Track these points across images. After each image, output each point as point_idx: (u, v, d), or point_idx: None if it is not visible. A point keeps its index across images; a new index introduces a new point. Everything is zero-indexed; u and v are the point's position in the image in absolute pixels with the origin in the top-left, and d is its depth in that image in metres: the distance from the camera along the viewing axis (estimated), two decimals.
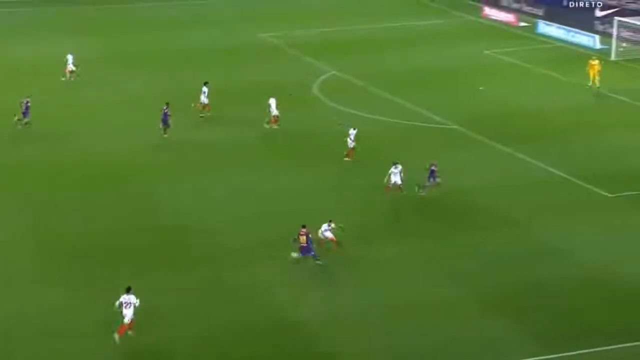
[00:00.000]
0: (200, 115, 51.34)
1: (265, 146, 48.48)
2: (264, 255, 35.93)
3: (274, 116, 49.95)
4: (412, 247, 37.28)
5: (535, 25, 76.60)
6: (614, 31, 68.22)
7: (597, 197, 42.24)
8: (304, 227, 34.87)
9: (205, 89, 51.38)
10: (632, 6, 75.74)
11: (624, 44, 68.26)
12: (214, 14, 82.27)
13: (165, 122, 48.46)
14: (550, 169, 45.20)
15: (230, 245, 37.13)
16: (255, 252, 36.38)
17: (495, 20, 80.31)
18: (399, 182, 41.25)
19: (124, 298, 30.53)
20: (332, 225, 36.01)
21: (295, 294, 33.63)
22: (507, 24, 79.11)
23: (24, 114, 49.61)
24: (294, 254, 35.14)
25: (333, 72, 62.90)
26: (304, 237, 34.66)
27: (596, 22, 74.71)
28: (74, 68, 58.70)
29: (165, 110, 48.54)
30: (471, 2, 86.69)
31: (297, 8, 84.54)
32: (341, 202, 41.24)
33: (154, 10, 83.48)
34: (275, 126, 49.93)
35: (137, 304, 30.42)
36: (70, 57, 58.95)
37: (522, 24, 78.49)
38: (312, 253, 34.80)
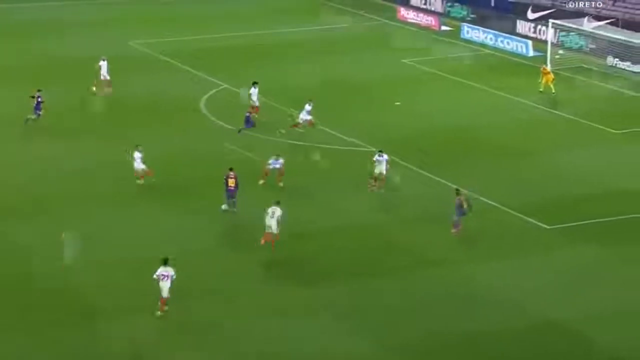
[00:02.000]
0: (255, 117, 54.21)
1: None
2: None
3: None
4: (316, 291, 36.74)
5: (459, 30, 77.34)
6: (549, 36, 69.16)
7: (533, 230, 42.37)
8: (231, 169, 42.14)
9: (254, 90, 55.07)
10: (570, 7, 77.00)
11: (561, 51, 69.23)
12: (71, 16, 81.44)
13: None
14: (479, 197, 45.21)
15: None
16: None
17: (414, 24, 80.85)
18: (384, 172, 43.89)
19: (161, 270, 34.15)
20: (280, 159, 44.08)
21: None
22: (427, 27, 79.72)
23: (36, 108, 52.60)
24: (223, 206, 42.29)
25: (224, 85, 62.62)
26: (233, 180, 41.78)
27: (529, 25, 75.81)
28: None
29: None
30: (384, 2, 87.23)
31: (175, 11, 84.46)
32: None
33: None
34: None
35: (174, 277, 34.11)
36: None
37: (445, 27, 79.32)
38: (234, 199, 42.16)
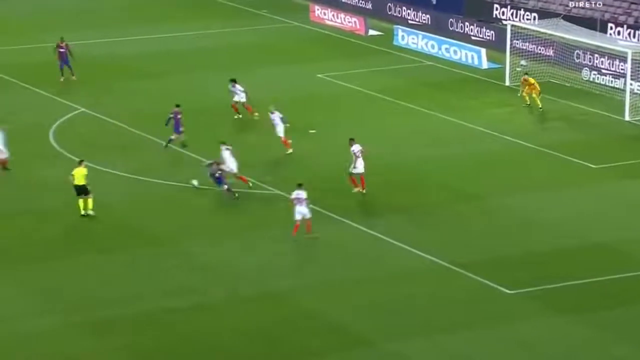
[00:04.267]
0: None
1: None
2: None
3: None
4: None
5: (392, 34, 77.85)
6: (507, 42, 69.69)
7: (494, 296, 42.55)
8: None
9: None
10: (530, 4, 77.94)
11: (523, 62, 69.71)
12: None
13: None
14: (423, 254, 45.54)
15: None
16: None
17: (332, 27, 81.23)
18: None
19: (296, 194, 44.85)
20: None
21: None
22: (349, 32, 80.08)
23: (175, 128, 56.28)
24: (194, 181, 50.13)
25: (81, 109, 62.73)
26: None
27: (481, 29, 76.47)
28: None
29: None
30: (294, 0, 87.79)
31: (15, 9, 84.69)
32: None
33: None
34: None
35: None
36: None
37: (373, 32, 79.78)
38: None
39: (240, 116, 61.33)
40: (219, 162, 51.13)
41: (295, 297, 42.19)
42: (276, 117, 57.01)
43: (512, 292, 42.66)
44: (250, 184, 51.83)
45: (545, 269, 44.68)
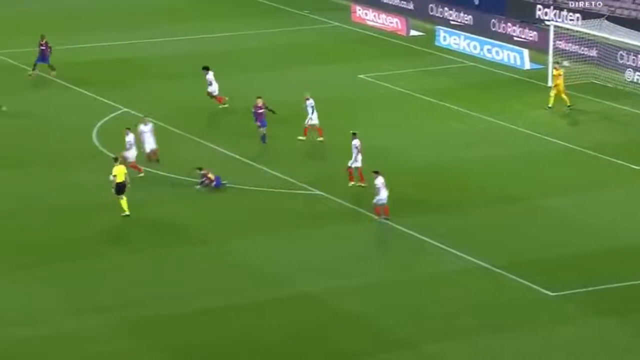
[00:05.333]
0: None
1: None
2: None
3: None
4: None
5: (434, 35, 77.74)
6: (550, 43, 69.42)
7: (536, 298, 42.39)
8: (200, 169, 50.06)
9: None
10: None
11: (566, 62, 69.42)
12: None
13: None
14: (465, 256, 45.48)
15: None
16: None
17: (373, 28, 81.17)
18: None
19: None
20: None
21: None
22: (391, 33, 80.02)
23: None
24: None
25: (124, 109, 62.86)
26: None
27: (523, 29, 76.26)
28: None
29: None
30: (337, 0, 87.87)
31: (51, 9, 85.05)
32: None
33: None
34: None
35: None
36: None
37: (414, 32, 79.75)
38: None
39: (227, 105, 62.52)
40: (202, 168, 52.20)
41: (335, 298, 42.14)
42: (310, 104, 57.59)
43: (554, 294, 42.46)
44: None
45: (588, 271, 44.53)
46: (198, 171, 51.79)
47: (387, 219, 48.36)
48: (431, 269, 44.77)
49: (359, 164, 51.93)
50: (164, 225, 48.78)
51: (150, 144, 54.17)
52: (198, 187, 51.74)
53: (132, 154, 52.81)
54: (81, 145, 57.63)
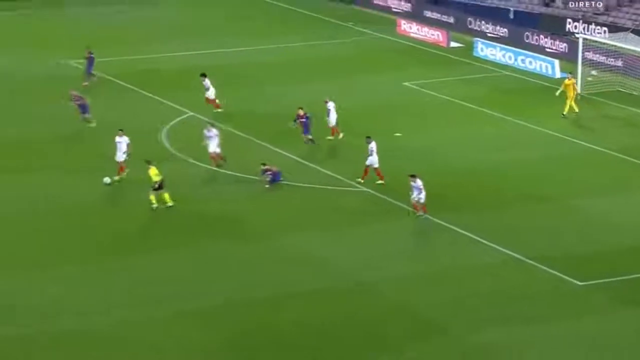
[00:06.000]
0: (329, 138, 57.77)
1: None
2: None
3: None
4: None
5: (472, 46, 77.78)
6: (579, 54, 69.47)
7: (566, 287, 42.51)
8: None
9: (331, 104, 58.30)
10: (601, 19, 77.55)
11: (594, 72, 69.41)
12: None
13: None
14: (501, 248, 45.52)
15: None
16: None
17: (417, 40, 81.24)
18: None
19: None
20: None
21: None
22: (433, 44, 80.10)
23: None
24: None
25: (190, 113, 63.04)
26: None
27: (555, 41, 76.32)
28: None
29: None
30: (382, 14, 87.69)
31: (129, 24, 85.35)
32: None
33: None
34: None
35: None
36: None
37: (454, 44, 79.74)
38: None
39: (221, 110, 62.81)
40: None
41: (382, 289, 42.21)
42: (331, 105, 57.75)
43: (582, 283, 42.55)
44: None
45: (613, 264, 44.41)
46: (262, 166, 51.99)
47: (426, 215, 48.57)
48: (469, 261, 44.65)
49: (375, 164, 52.18)
50: (222, 219, 48.79)
51: (214, 147, 54.26)
52: (267, 185, 51.88)
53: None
54: (151, 146, 57.29)
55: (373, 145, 52.18)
